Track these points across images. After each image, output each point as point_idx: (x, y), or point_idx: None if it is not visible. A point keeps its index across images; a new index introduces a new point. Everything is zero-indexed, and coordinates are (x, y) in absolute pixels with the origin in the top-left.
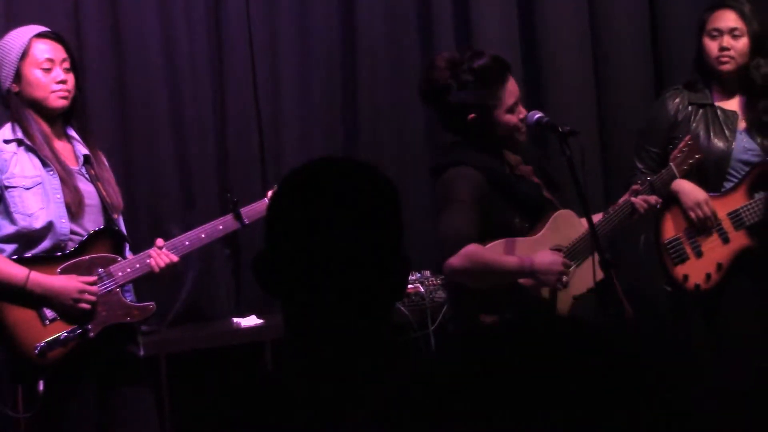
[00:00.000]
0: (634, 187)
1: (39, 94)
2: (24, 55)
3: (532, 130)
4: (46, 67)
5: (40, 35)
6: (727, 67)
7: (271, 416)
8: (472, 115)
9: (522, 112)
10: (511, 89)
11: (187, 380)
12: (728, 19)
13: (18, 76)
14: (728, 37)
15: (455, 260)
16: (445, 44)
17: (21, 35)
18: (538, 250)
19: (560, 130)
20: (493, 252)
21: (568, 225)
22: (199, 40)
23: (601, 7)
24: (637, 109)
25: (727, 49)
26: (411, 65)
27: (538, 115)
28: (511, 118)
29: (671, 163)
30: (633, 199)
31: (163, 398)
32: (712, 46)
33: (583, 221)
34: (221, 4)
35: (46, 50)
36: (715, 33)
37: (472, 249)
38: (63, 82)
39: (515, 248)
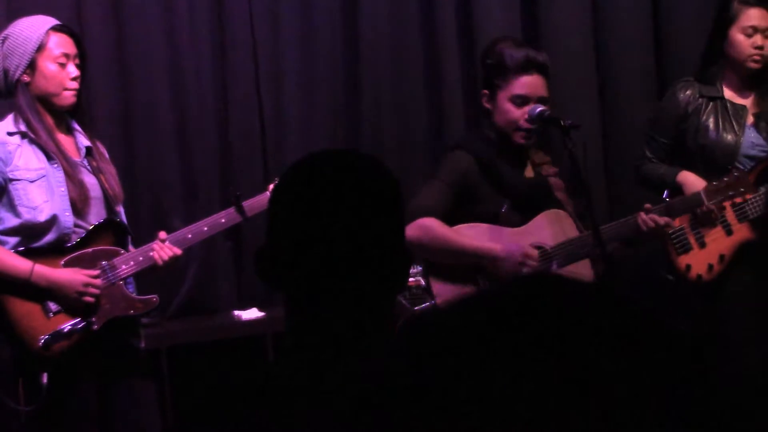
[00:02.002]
0: (646, 205)
1: (52, 88)
2: (41, 47)
3: (535, 123)
4: (62, 62)
5: (55, 28)
6: (757, 66)
7: (272, 409)
8: (485, 90)
9: (528, 112)
10: (526, 83)
11: (188, 373)
12: (763, 17)
13: (32, 68)
14: (761, 35)
15: (409, 229)
16: (448, 39)
17: (37, 26)
18: (514, 241)
19: (562, 123)
20: (451, 230)
21: (556, 225)
22: (202, 33)
23: (605, 2)
24: (640, 103)
25: (761, 48)
26: (413, 59)
27: (540, 108)
28: (511, 109)
29: (701, 191)
30: (641, 214)
31: (164, 391)
32: (746, 42)
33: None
34: None
35: (62, 44)
36: (750, 30)
37: (426, 221)
38: (76, 79)
39: (491, 235)
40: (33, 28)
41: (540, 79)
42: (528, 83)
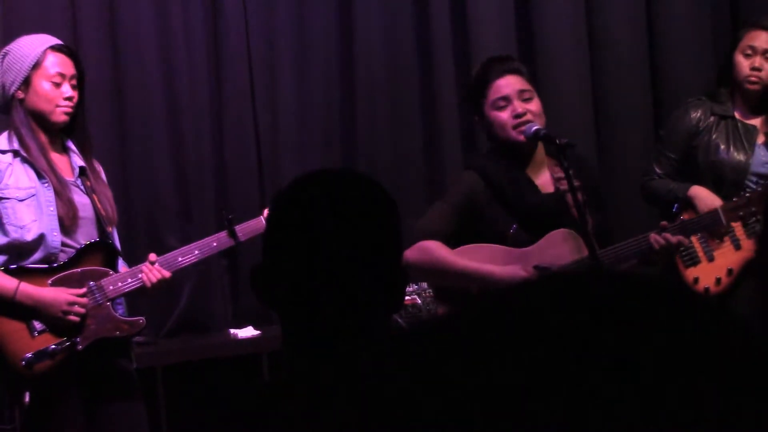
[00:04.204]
0: (663, 223)
1: (44, 106)
2: (36, 65)
3: (531, 141)
4: (56, 81)
5: (54, 48)
6: (755, 87)
7: (267, 429)
8: (475, 116)
9: (517, 110)
10: (499, 85)
11: (183, 391)
12: (765, 40)
13: (26, 85)
14: (761, 57)
15: (409, 252)
16: (443, 58)
17: (35, 44)
18: (521, 262)
19: (558, 142)
20: (451, 252)
21: (564, 246)
22: (197, 52)
23: (599, 15)
24: (634, 113)
25: (759, 69)
26: (408, 78)
27: (535, 126)
28: (498, 114)
29: (719, 208)
30: (652, 234)
31: (159, 410)
32: (744, 63)
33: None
34: (219, 15)
35: (58, 64)
36: (749, 51)
37: (426, 244)
38: (69, 99)
39: (496, 256)
40: (31, 45)
41: (514, 77)
42: (503, 84)
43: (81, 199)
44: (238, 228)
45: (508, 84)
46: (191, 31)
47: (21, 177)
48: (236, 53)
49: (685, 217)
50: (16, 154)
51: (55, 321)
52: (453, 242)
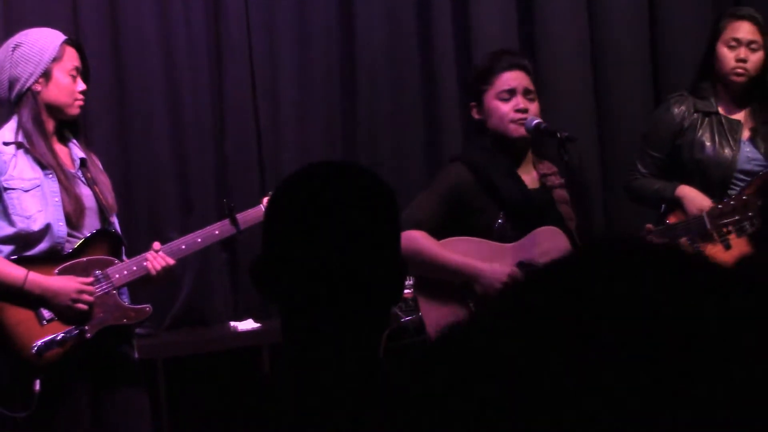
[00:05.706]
0: (648, 226)
1: (65, 99)
2: (57, 58)
3: (531, 135)
4: (73, 74)
5: (68, 42)
6: (741, 79)
7: (265, 420)
8: (472, 103)
9: (520, 105)
10: (508, 77)
11: (184, 384)
12: (748, 31)
13: (46, 77)
14: (745, 48)
15: None
16: (445, 51)
17: (52, 37)
18: (505, 257)
19: (559, 135)
20: (436, 243)
21: (550, 242)
22: (199, 45)
23: (600, 10)
24: (636, 112)
25: (744, 61)
26: (409, 71)
27: (536, 120)
28: (500, 105)
29: (704, 215)
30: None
31: (160, 402)
32: (729, 56)
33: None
34: (221, 10)
35: (74, 58)
36: (733, 43)
37: (412, 233)
38: (83, 92)
39: (481, 250)
40: (48, 39)
41: (523, 74)
42: (511, 77)
43: (83, 191)
44: (239, 216)
45: (517, 78)
46: (192, 24)
47: (25, 168)
48: (237, 47)
49: (672, 217)
50: (19, 146)
51: (64, 309)
52: (439, 234)
